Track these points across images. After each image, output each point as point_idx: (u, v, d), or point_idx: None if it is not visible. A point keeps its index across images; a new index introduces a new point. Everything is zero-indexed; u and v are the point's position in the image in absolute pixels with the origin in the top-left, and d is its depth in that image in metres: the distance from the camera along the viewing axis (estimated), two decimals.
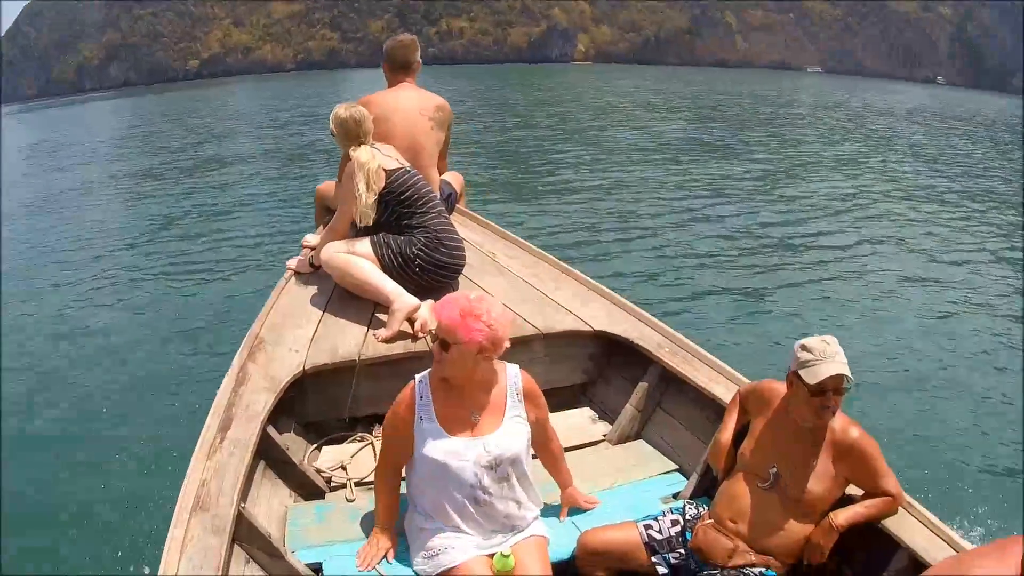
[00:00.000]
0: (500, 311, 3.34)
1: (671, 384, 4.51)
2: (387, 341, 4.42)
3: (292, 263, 5.07)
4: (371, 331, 4.51)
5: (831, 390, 3.27)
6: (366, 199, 4.54)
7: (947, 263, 12.76)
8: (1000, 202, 16.29)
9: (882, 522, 3.33)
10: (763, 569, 3.36)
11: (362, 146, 4.60)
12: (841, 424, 3.34)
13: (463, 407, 3.40)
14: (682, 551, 3.53)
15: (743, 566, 3.37)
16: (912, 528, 3.29)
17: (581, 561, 3.56)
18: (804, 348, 3.31)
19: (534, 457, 3.67)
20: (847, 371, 3.23)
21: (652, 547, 3.54)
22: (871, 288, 11.29)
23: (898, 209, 15.84)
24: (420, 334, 4.41)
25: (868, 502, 3.35)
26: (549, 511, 3.74)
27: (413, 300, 4.48)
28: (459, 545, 3.32)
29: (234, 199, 14.48)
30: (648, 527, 3.59)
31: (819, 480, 3.32)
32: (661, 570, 3.50)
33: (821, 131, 23.16)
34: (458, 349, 3.26)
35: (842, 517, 3.30)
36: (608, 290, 5.16)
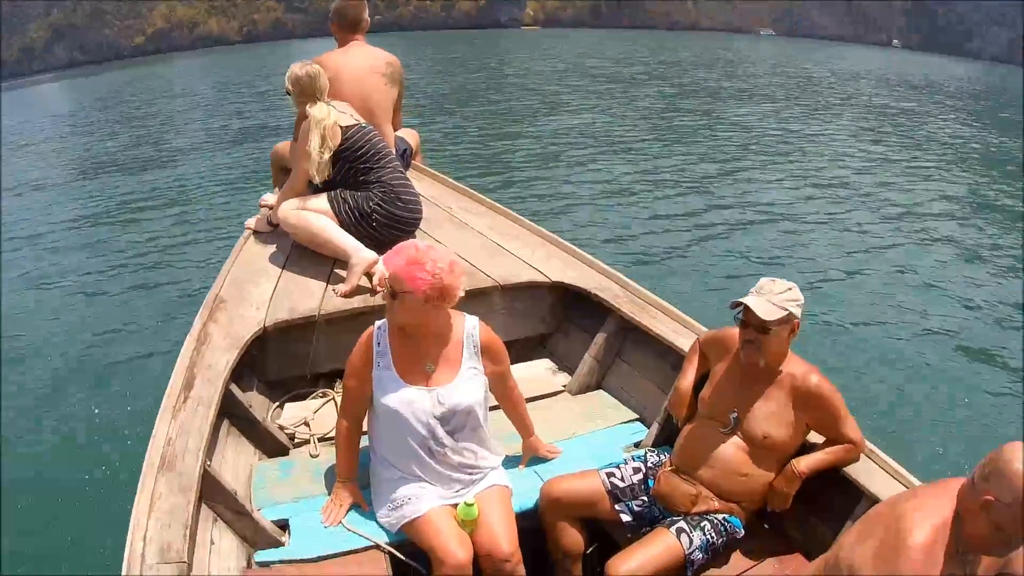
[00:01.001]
0: (449, 260, 3.34)
1: (630, 334, 4.55)
2: (346, 296, 4.42)
3: (250, 223, 5.05)
4: (330, 287, 4.51)
5: (752, 325, 3.31)
6: (322, 155, 4.53)
7: (905, 212, 12.98)
8: (955, 161, 16.48)
9: (845, 469, 3.39)
10: (726, 515, 3.42)
11: (318, 103, 4.58)
12: (802, 371, 3.38)
13: (419, 357, 3.41)
14: (645, 498, 3.58)
15: (706, 512, 3.42)
16: (875, 475, 3.35)
17: (545, 510, 3.59)
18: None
19: (495, 408, 3.70)
20: (759, 309, 3.26)
21: (615, 495, 3.58)
22: (830, 238, 11.45)
23: (855, 164, 15.98)
24: (379, 288, 4.41)
25: (830, 449, 3.39)
26: (511, 461, 3.79)
27: (371, 254, 4.48)
28: (422, 495, 3.35)
29: (190, 168, 14.34)
30: (610, 475, 3.62)
31: (779, 425, 3.36)
32: (625, 518, 3.54)
33: (776, 91, 23.25)
34: (405, 298, 3.26)
35: (804, 464, 3.35)
36: (565, 242, 5.18)
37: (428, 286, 3.24)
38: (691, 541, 3.31)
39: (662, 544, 3.30)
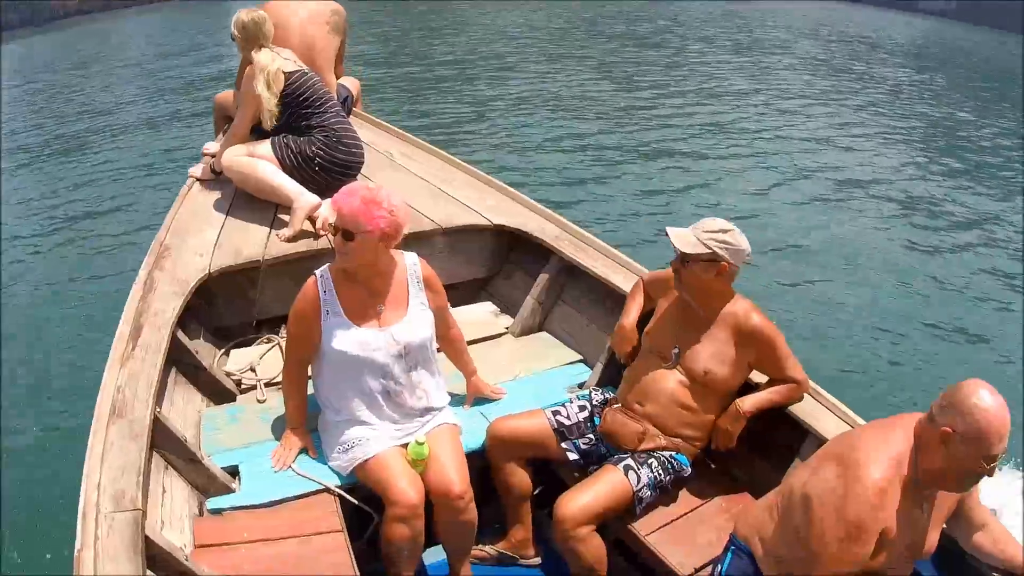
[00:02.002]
0: (399, 198, 3.36)
1: (571, 275, 4.60)
2: (290, 240, 4.41)
3: (195, 170, 4.99)
4: (274, 231, 4.49)
5: (677, 256, 3.39)
6: (267, 100, 4.52)
7: (851, 150, 13.17)
8: (896, 116, 16.63)
9: (791, 409, 3.49)
10: (673, 453, 3.49)
11: (263, 49, 4.55)
12: (743, 308, 3.43)
13: (367, 299, 3.42)
14: (591, 436, 3.64)
15: (652, 449, 3.48)
16: (821, 415, 3.46)
17: (492, 451, 3.64)
18: None
19: (438, 351, 3.73)
20: (676, 238, 3.34)
21: (561, 432, 3.64)
22: (776, 180, 11.53)
23: (798, 106, 16.04)
24: (322, 232, 4.41)
25: (774, 388, 3.48)
26: (456, 401, 3.84)
27: (314, 198, 4.47)
28: (372, 436, 3.38)
29: (132, 119, 13.92)
30: (556, 413, 3.68)
31: (721, 363, 3.42)
32: (572, 456, 3.60)
33: (713, 46, 23.21)
34: (362, 238, 3.26)
35: (748, 403, 3.43)
36: (506, 185, 5.21)
37: (386, 224, 3.25)
38: (639, 478, 3.37)
39: (610, 481, 3.36)
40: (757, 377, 3.57)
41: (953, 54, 25.20)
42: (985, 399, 2.47)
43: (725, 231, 3.33)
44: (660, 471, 3.43)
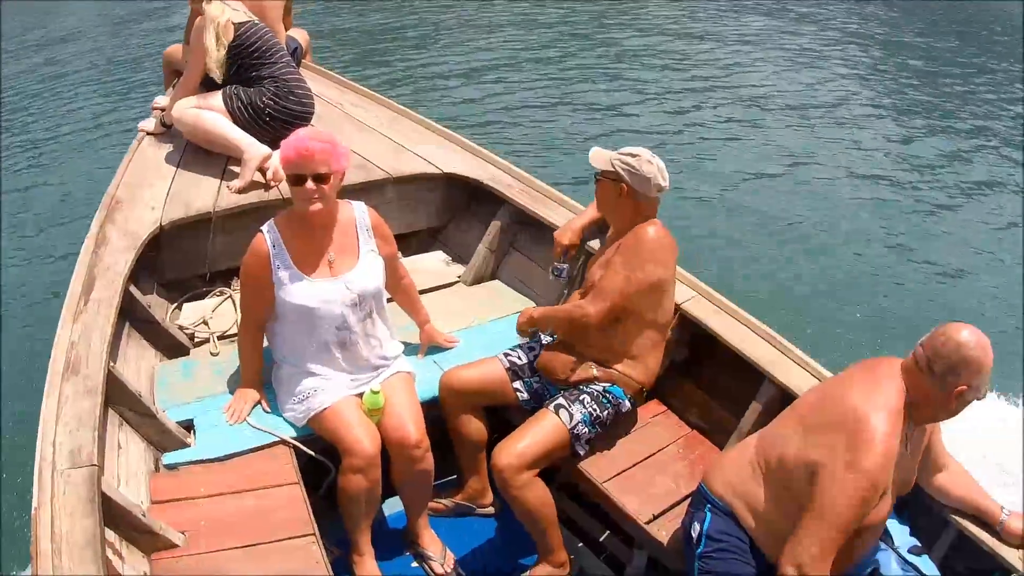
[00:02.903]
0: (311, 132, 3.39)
1: (523, 224, 4.63)
2: (240, 192, 4.38)
3: (145, 124, 4.92)
4: (224, 183, 4.46)
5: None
6: (217, 52, 4.47)
7: (795, 83, 13.20)
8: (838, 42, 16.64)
9: (747, 353, 3.58)
10: (607, 385, 3.51)
11: (213, 0, 4.48)
12: (640, 228, 3.48)
13: (317, 249, 3.40)
14: (539, 376, 3.68)
15: (585, 381, 3.52)
16: (778, 360, 3.56)
17: (446, 401, 3.67)
18: None
19: (389, 301, 3.74)
20: (592, 154, 3.53)
21: (514, 371, 3.69)
22: (723, 122, 11.53)
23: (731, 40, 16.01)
24: (272, 183, 4.39)
25: (566, 305, 3.63)
26: (409, 351, 3.84)
27: (264, 149, 4.44)
28: (327, 387, 3.38)
29: (79, 78, 13.61)
30: (508, 355, 3.74)
31: (606, 277, 3.47)
32: (522, 396, 3.66)
33: None
34: (335, 178, 3.28)
35: (538, 311, 3.63)
36: (457, 135, 5.19)
37: (347, 162, 3.29)
38: (571, 416, 3.40)
39: (543, 424, 3.41)
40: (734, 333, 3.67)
41: None
42: (983, 344, 2.60)
43: (633, 155, 3.43)
44: (595, 406, 3.46)
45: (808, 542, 2.56)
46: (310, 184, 3.24)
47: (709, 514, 2.91)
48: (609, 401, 3.49)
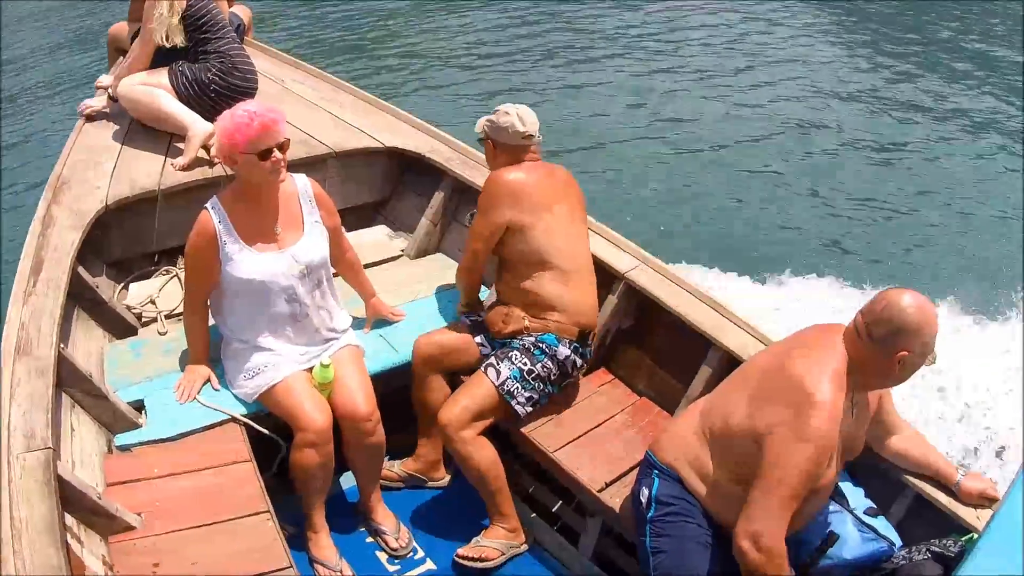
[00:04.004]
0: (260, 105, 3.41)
1: (465, 196, 4.65)
2: (184, 169, 4.37)
3: (93, 102, 4.85)
4: (169, 160, 4.44)
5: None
6: (171, 19, 4.44)
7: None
8: None
9: (692, 320, 3.68)
10: (539, 335, 3.59)
11: None
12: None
13: (262, 223, 3.42)
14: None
15: (518, 332, 3.62)
16: (724, 326, 3.65)
17: (418, 366, 3.74)
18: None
19: (334, 275, 3.76)
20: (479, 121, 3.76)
21: (475, 326, 3.79)
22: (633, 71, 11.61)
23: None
24: (216, 159, 4.38)
25: None
26: (355, 325, 3.87)
27: (208, 126, 4.41)
28: (277, 363, 3.41)
29: (20, 66, 13.31)
30: (468, 315, 3.86)
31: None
32: (483, 351, 3.73)
33: None
34: (285, 145, 3.30)
35: None
36: (398, 108, 5.20)
37: (260, 125, 3.25)
38: (499, 373, 3.50)
39: (476, 382, 3.53)
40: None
41: None
42: (924, 308, 2.61)
43: (495, 111, 3.64)
44: (524, 360, 3.53)
45: (759, 514, 2.60)
46: (277, 154, 3.27)
47: (657, 479, 2.95)
48: (542, 351, 3.55)
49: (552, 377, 3.59)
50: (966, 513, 2.96)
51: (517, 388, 3.49)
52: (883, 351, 2.63)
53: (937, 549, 2.85)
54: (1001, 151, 9.01)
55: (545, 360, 3.55)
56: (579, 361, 3.68)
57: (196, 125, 4.43)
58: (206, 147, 4.43)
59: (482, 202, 3.65)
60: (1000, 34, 12.72)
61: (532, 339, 3.57)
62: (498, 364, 3.52)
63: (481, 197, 3.67)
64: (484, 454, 3.46)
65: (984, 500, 2.97)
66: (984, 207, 7.94)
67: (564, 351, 3.58)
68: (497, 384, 3.48)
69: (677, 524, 2.86)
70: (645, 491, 2.97)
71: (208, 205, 3.38)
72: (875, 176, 8.65)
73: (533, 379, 3.53)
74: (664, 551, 2.86)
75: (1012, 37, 12.30)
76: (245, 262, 3.35)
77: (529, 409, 3.56)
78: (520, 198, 3.57)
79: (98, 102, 4.80)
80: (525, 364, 3.51)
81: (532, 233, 3.57)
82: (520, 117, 3.59)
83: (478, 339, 3.76)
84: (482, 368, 3.54)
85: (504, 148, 3.67)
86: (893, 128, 9.68)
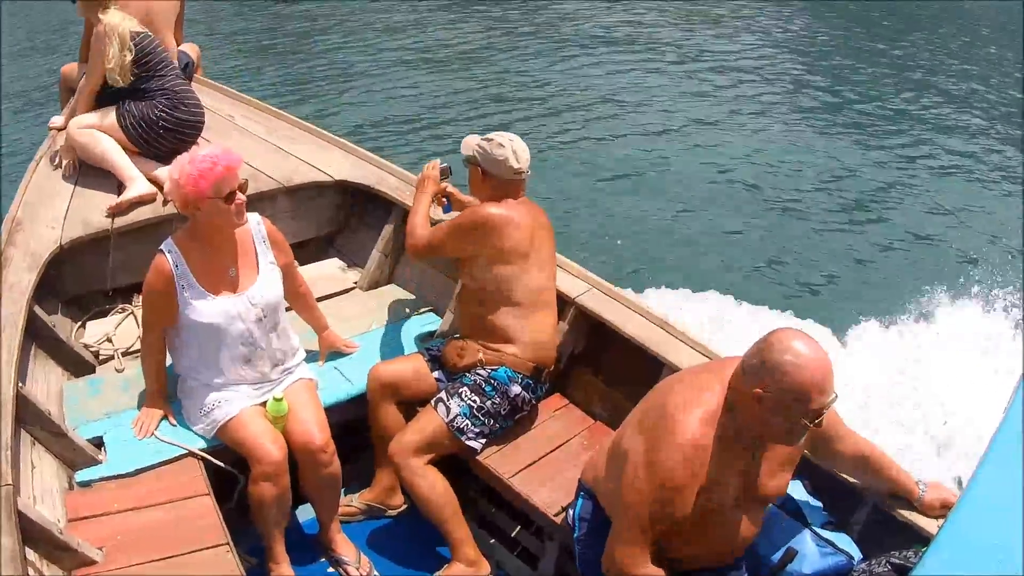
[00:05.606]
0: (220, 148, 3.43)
1: None
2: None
3: (58, 120, 4.93)
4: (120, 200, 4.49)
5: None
6: (124, 58, 4.47)
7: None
8: None
9: (644, 342, 3.73)
10: (492, 370, 3.61)
11: (109, 9, 4.47)
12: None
13: (218, 265, 3.44)
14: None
15: (472, 365, 3.64)
16: (675, 347, 3.70)
17: (373, 393, 3.76)
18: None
19: (288, 309, 3.83)
20: (464, 141, 3.76)
21: (433, 359, 3.82)
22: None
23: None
24: (168, 197, 4.44)
25: None
26: (309, 358, 3.92)
27: (148, 186, 4.49)
28: (233, 399, 3.46)
29: None
30: (429, 349, 3.90)
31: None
32: (441, 385, 3.74)
33: None
34: (244, 186, 3.36)
35: None
36: (346, 141, 5.26)
37: (217, 174, 3.28)
38: (448, 409, 3.53)
39: (426, 417, 3.58)
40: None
41: None
42: (799, 352, 2.34)
43: (489, 140, 3.63)
44: (474, 396, 3.55)
45: (613, 539, 2.65)
46: (240, 196, 3.33)
47: (580, 499, 3.03)
48: (493, 388, 3.57)
49: (503, 412, 3.63)
50: (927, 524, 2.94)
51: (467, 424, 3.53)
52: (747, 385, 2.44)
53: (897, 561, 2.79)
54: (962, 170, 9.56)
55: (495, 397, 3.58)
56: (531, 398, 3.72)
57: (136, 183, 4.49)
58: (159, 185, 4.47)
59: (463, 229, 3.65)
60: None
61: (484, 374, 3.60)
62: (448, 400, 3.55)
63: (464, 224, 3.65)
64: (432, 484, 3.49)
65: (946, 510, 2.88)
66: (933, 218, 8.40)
67: (516, 389, 3.62)
68: (447, 421, 3.52)
69: (598, 540, 2.84)
70: (571, 512, 3.08)
71: (164, 248, 3.41)
72: (819, 188, 9.08)
73: (483, 415, 3.56)
74: (592, 567, 2.90)
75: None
76: (202, 306, 3.39)
77: (482, 442, 3.61)
78: (504, 238, 3.57)
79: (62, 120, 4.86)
80: (475, 401, 3.54)
81: (506, 270, 3.60)
82: (516, 153, 3.59)
83: (436, 373, 3.79)
84: (431, 403, 3.59)
85: (493, 179, 3.65)
86: (843, 145, 10.04)
